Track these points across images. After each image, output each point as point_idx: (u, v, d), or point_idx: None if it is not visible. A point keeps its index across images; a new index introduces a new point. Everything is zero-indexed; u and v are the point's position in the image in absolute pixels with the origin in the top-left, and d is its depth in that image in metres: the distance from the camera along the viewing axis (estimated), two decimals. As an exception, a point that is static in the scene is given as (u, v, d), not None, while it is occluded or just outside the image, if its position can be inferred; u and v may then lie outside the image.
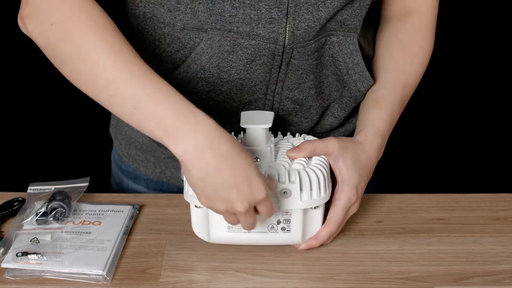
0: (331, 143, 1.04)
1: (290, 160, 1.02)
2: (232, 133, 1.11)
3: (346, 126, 1.24)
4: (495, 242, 1.08)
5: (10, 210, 1.12)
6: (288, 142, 1.08)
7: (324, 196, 1.01)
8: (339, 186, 1.04)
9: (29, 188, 1.15)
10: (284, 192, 0.98)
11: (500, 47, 2.65)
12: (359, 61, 1.13)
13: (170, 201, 1.17)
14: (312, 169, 1.00)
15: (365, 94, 1.17)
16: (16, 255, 1.01)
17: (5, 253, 1.02)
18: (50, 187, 1.15)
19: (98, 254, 1.02)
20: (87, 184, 1.14)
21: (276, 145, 1.05)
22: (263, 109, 1.14)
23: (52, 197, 1.10)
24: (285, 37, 1.06)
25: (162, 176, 1.26)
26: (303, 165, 1.01)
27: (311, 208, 1.01)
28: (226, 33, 1.05)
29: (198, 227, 1.03)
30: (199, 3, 1.04)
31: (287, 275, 1.01)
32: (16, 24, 0.99)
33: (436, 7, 1.19)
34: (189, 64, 1.09)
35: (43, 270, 1.00)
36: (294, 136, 1.11)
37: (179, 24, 1.07)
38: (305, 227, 1.02)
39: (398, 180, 2.32)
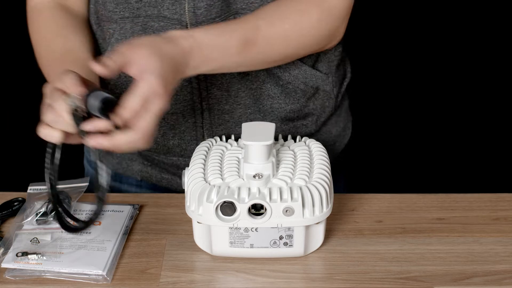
0: (123, 49, 0.95)
1: (292, 171, 1.02)
2: (233, 136, 1.11)
3: (299, 127, 1.22)
4: (495, 242, 1.08)
5: (10, 210, 1.12)
6: (289, 149, 1.07)
7: (326, 211, 1.01)
8: (139, 76, 0.92)
9: (29, 188, 1.15)
10: (287, 211, 0.98)
11: (500, 47, 2.65)
12: None
13: (170, 201, 1.17)
14: (314, 185, 1.00)
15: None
16: (16, 255, 1.01)
17: (5, 253, 1.02)
18: (50, 187, 1.14)
19: (98, 254, 1.02)
20: (87, 184, 1.15)
21: (277, 155, 1.05)
22: (192, 99, 1.15)
23: (52, 197, 1.10)
24: (187, 17, 1.07)
25: (119, 167, 1.28)
26: (305, 180, 1.01)
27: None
28: (135, 19, 1.09)
29: (200, 241, 1.04)
30: None
31: (287, 275, 1.01)
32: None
33: None
34: None
35: (43, 270, 1.00)
36: (295, 140, 1.10)
37: (99, 16, 1.13)
38: (307, 241, 1.03)
39: (398, 180, 2.32)
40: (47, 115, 0.95)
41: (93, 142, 0.91)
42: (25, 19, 1.18)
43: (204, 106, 1.15)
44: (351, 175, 1.41)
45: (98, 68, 0.91)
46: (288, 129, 1.22)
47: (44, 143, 1.01)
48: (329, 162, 1.06)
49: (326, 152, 1.08)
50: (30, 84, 2.57)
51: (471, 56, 2.64)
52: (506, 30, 2.62)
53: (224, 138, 1.11)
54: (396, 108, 2.48)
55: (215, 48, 1.02)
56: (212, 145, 1.09)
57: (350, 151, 1.36)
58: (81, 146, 1.37)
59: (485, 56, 2.65)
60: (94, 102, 0.91)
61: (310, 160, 1.05)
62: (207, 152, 1.07)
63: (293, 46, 1.09)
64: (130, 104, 0.90)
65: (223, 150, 1.07)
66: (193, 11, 1.07)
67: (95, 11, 1.15)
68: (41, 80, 1.13)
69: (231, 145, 1.09)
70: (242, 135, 1.01)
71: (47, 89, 0.96)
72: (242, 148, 1.06)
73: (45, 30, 1.14)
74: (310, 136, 1.24)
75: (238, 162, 1.04)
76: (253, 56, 1.06)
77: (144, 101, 0.91)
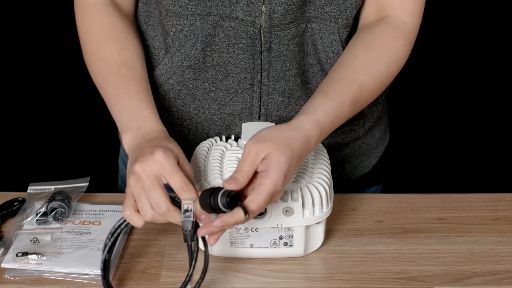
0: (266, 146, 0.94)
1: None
2: (233, 136, 1.11)
3: (347, 133, 1.22)
4: (495, 242, 1.08)
5: (10, 210, 1.12)
6: None
7: (326, 211, 1.01)
8: (266, 173, 0.93)
9: (29, 188, 1.15)
10: (287, 211, 0.98)
11: (500, 47, 2.65)
12: (339, 51, 1.12)
13: (170, 201, 1.17)
14: (314, 185, 1.00)
15: None
16: (16, 255, 1.01)
17: (5, 253, 1.03)
18: (50, 187, 1.15)
19: (98, 254, 1.02)
20: (87, 184, 1.15)
21: None
22: (251, 102, 1.14)
23: (52, 197, 1.10)
24: (262, 20, 1.07)
25: None
26: (305, 180, 1.01)
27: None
28: (206, 17, 1.08)
29: (200, 241, 1.04)
30: None
31: (287, 275, 1.01)
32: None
33: (416, 15, 1.11)
34: (173, 54, 1.12)
35: (43, 270, 1.00)
36: None
37: (163, 11, 1.11)
38: (307, 241, 1.03)
39: (398, 180, 2.33)
40: (141, 202, 0.93)
41: (212, 240, 0.94)
42: (26, 19, 1.16)
43: (262, 111, 1.14)
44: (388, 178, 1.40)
45: (231, 186, 0.91)
46: (337, 135, 1.21)
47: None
48: (329, 162, 1.06)
49: (326, 152, 1.08)
50: (30, 84, 2.58)
51: (471, 57, 2.64)
52: (506, 30, 2.63)
53: (224, 138, 1.11)
54: (395, 108, 2.48)
55: (333, 125, 1.01)
56: (212, 145, 1.09)
57: (389, 154, 1.35)
58: (110, 144, 1.36)
59: (485, 56, 2.65)
60: (222, 200, 0.90)
61: (310, 160, 1.05)
62: (207, 152, 1.07)
63: (387, 82, 1.10)
64: (259, 202, 0.91)
65: (223, 150, 1.07)
66: (269, 15, 1.07)
67: (157, 6, 1.13)
68: (41, 80, 1.14)
69: (231, 145, 1.09)
70: (242, 135, 1.01)
71: (137, 168, 0.92)
72: (242, 148, 1.06)
73: (98, 31, 1.11)
74: (357, 140, 1.24)
75: (238, 162, 1.03)
76: (356, 110, 1.06)
77: (269, 198, 0.92)
